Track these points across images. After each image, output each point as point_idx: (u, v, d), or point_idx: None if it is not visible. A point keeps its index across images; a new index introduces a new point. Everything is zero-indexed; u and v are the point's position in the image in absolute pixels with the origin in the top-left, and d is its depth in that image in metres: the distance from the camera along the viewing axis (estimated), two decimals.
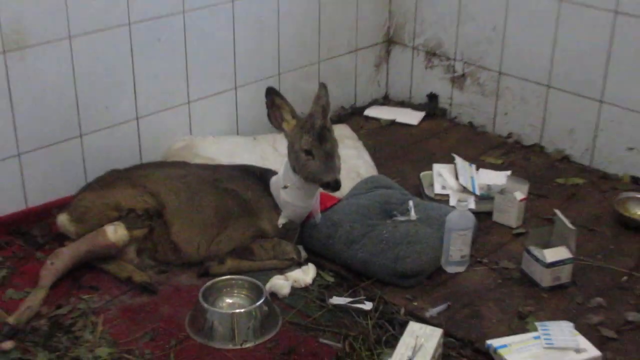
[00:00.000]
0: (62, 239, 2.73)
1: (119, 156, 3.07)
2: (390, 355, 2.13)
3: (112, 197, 2.70)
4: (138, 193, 2.71)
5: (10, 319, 2.37)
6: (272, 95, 2.71)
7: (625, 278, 2.70)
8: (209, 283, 2.54)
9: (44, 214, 2.89)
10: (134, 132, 3.14)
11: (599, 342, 2.35)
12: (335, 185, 2.64)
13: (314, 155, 2.62)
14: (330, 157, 2.63)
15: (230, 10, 3.28)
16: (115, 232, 2.62)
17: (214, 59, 3.31)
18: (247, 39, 3.39)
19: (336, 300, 2.56)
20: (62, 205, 2.83)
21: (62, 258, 2.58)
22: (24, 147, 2.84)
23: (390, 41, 4.04)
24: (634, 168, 3.34)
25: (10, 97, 2.75)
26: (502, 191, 2.98)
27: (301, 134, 2.64)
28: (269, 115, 2.73)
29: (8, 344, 2.31)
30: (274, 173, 2.81)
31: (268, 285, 2.56)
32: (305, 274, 2.67)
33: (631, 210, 3.04)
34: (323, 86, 2.73)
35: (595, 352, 2.29)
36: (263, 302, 2.45)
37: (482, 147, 3.60)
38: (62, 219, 2.73)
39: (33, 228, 2.84)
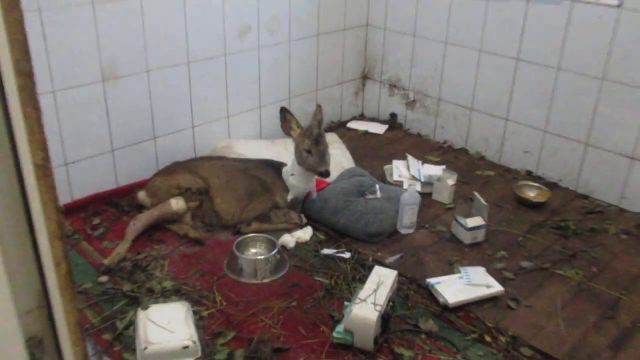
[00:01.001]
0: (140, 208, 2.74)
1: (179, 152, 3.06)
2: (362, 288, 2.11)
3: (174, 180, 2.69)
4: (192, 177, 2.71)
5: (105, 261, 2.39)
6: (284, 113, 2.71)
7: (520, 238, 2.70)
8: (239, 238, 2.55)
9: (129, 191, 2.89)
10: (190, 136, 3.12)
11: (502, 281, 2.37)
12: (327, 174, 2.64)
13: (312, 153, 2.61)
14: (323, 155, 2.63)
15: (256, 55, 3.26)
16: (177, 204, 2.63)
17: (245, 87, 3.29)
18: (267, 74, 3.36)
19: (325, 251, 2.57)
20: (141, 185, 2.82)
21: (141, 221, 2.59)
22: (116, 145, 2.84)
23: (365, 77, 4.00)
24: (527, 165, 3.32)
25: (107, 111, 2.74)
26: (439, 179, 2.98)
27: (303, 139, 2.64)
28: (282, 126, 2.72)
29: (103, 278, 2.33)
30: (285, 165, 2.80)
31: (280, 241, 2.57)
32: (305, 234, 2.67)
33: (525, 193, 3.03)
34: (319, 107, 2.73)
35: (500, 287, 2.31)
36: (276, 252, 2.46)
37: (426, 149, 3.58)
38: (141, 195, 2.74)
39: (121, 200, 2.84)
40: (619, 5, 2.74)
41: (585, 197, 3.08)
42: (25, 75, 0.76)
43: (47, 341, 0.90)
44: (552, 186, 3.14)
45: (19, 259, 0.81)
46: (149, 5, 2.71)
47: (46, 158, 0.82)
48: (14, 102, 0.73)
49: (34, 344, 0.87)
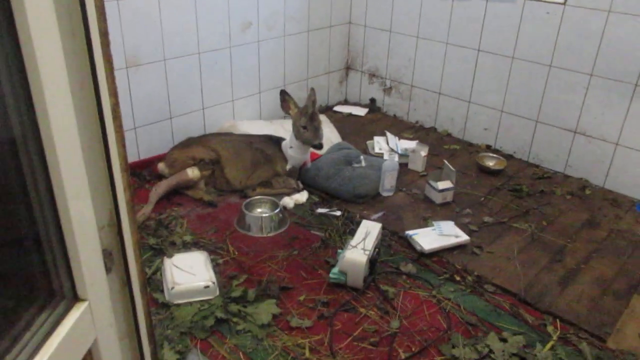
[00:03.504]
0: (160, 177, 2.77)
1: (192, 130, 3.08)
2: (352, 238, 2.18)
3: (189, 152, 2.73)
4: (205, 149, 2.74)
5: None
6: (284, 95, 2.75)
7: (482, 199, 2.78)
8: (247, 200, 2.60)
9: (150, 163, 2.92)
10: (200, 116, 3.15)
11: (468, 232, 2.45)
12: (320, 146, 2.71)
13: (308, 128, 2.67)
14: (317, 130, 2.68)
15: (257, 47, 3.29)
16: (193, 172, 2.68)
17: (247, 75, 3.31)
18: (266, 64, 3.39)
19: (320, 210, 2.63)
20: (160, 158, 2.86)
21: (161, 187, 2.64)
22: (138, 124, 2.86)
23: (348, 68, 4.03)
24: (487, 140, 3.39)
25: (130, 95, 2.77)
26: (413, 151, 3.04)
27: (300, 117, 2.69)
28: (281, 106, 2.77)
29: None
30: (283, 139, 2.84)
31: (281, 202, 2.62)
32: (302, 196, 2.73)
33: (486, 163, 3.11)
34: (312, 89, 2.76)
35: (466, 237, 2.40)
36: (279, 210, 2.52)
37: (401, 128, 3.62)
38: (160, 166, 2.78)
39: (143, 171, 2.87)
40: (564, 3, 2.83)
41: (536, 165, 3.18)
42: (103, 34, 0.83)
43: (116, 253, 0.97)
44: (508, 157, 3.23)
45: (99, 185, 0.89)
46: (165, 3, 2.73)
47: (116, 103, 0.90)
48: (98, 56, 0.80)
49: (105, 255, 0.94)
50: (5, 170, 0.77)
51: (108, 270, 0.94)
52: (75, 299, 0.86)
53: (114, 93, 0.88)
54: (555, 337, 1.93)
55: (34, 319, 0.80)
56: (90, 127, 0.84)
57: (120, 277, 0.98)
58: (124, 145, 0.93)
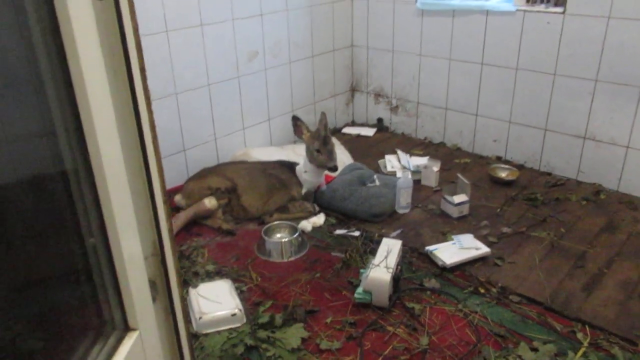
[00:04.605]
0: (177, 209, 2.78)
1: (205, 160, 3.10)
2: (374, 257, 2.18)
3: (205, 182, 2.75)
4: (221, 179, 2.76)
5: None
6: (296, 120, 2.78)
7: (498, 210, 2.79)
8: (266, 226, 2.61)
9: (166, 195, 2.93)
10: (213, 147, 3.18)
11: (488, 244, 2.45)
12: (335, 169, 2.72)
13: (322, 152, 2.69)
14: (331, 152, 2.70)
15: (264, 75, 3.34)
16: (210, 202, 2.70)
17: (256, 103, 3.36)
18: (273, 91, 3.44)
19: (338, 231, 2.64)
20: (176, 190, 2.88)
21: (180, 219, 2.66)
22: None
23: (353, 89, 4.08)
24: (497, 151, 3.41)
25: None
26: (426, 167, 3.06)
27: (313, 140, 2.71)
28: (294, 131, 2.79)
29: None
30: (297, 164, 2.86)
31: (299, 226, 2.63)
32: (319, 219, 2.74)
33: (498, 174, 3.12)
34: (323, 113, 2.79)
35: (487, 249, 2.39)
36: (297, 235, 2.53)
37: (410, 145, 3.65)
38: (177, 198, 2.80)
39: None
40: (563, 12, 2.89)
41: (548, 174, 3.20)
42: (142, 70, 0.87)
43: (159, 283, 0.99)
44: (520, 167, 3.25)
45: (143, 216, 0.91)
46: (174, 38, 2.80)
47: (155, 136, 0.93)
48: (139, 92, 0.84)
49: (150, 285, 0.96)
50: (59, 207, 0.80)
51: (153, 299, 0.97)
52: (127, 328, 0.88)
53: (153, 127, 0.91)
54: (586, 344, 1.92)
55: (89, 350, 0.83)
56: (134, 160, 0.87)
57: (165, 307, 1.01)
58: (163, 178, 0.96)
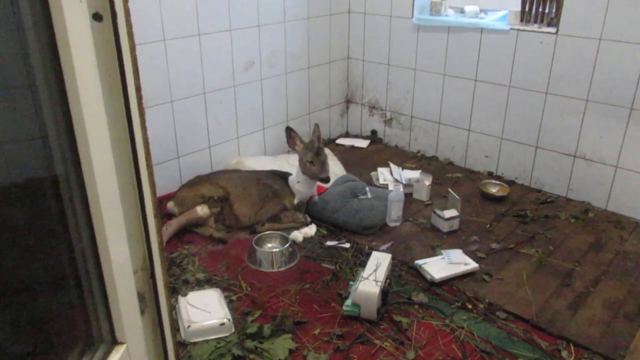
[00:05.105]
0: (170, 216, 2.78)
1: (199, 168, 3.12)
2: (363, 270, 2.19)
3: (198, 190, 2.75)
4: (214, 187, 2.77)
5: None
6: (290, 131, 2.80)
7: (488, 225, 2.81)
8: (257, 236, 2.61)
9: (159, 202, 2.89)
10: (207, 155, 3.19)
11: (476, 259, 2.47)
12: (327, 180, 2.73)
13: (314, 163, 2.70)
14: (323, 164, 2.71)
15: (260, 85, 3.36)
16: (202, 210, 2.70)
17: (251, 113, 3.37)
18: (269, 101, 3.46)
19: (329, 243, 2.65)
20: (169, 197, 2.88)
21: (172, 226, 2.66)
22: None
23: (348, 101, 4.10)
24: (489, 167, 3.44)
25: None
26: (417, 181, 3.07)
27: (306, 152, 2.72)
28: (287, 142, 2.81)
29: None
30: (290, 175, 2.88)
31: (290, 236, 2.63)
32: (310, 230, 2.75)
33: (489, 189, 3.14)
34: (317, 125, 2.81)
35: (475, 265, 2.41)
36: (288, 245, 2.53)
37: (403, 158, 3.67)
38: (170, 205, 2.79)
39: None
40: (556, 32, 2.93)
41: (539, 190, 3.23)
42: (137, 89, 0.89)
43: (147, 296, 1.00)
44: (510, 183, 3.28)
45: (134, 230, 0.93)
46: (171, 47, 2.82)
47: (149, 152, 0.94)
48: (134, 110, 0.85)
49: (139, 298, 0.97)
50: (50, 218, 0.81)
51: (142, 312, 0.98)
52: (114, 342, 0.89)
53: (146, 144, 0.93)
54: None
55: None
56: (126, 176, 0.89)
57: (153, 320, 1.02)
58: (155, 192, 0.98)
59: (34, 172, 0.77)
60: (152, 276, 0.99)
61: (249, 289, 2.33)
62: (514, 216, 2.91)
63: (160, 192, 2.96)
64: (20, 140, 0.76)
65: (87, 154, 0.76)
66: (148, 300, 1.01)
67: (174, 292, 2.26)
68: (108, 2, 0.75)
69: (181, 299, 2.17)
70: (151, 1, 2.67)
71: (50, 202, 0.80)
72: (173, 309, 2.12)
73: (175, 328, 2.04)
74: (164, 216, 2.83)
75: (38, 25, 0.69)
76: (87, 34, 0.73)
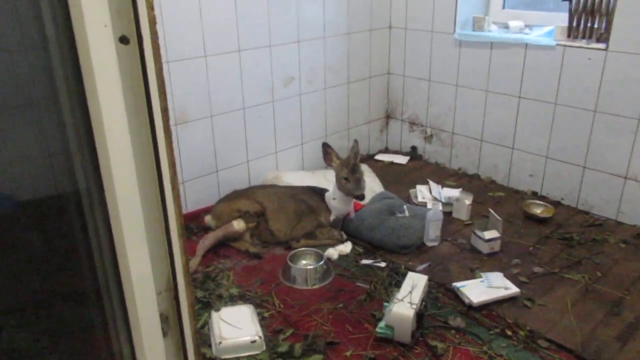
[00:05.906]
0: (206, 229, 2.81)
1: (237, 182, 3.15)
2: (398, 291, 2.15)
3: (235, 204, 2.77)
4: (250, 202, 2.78)
5: None
6: (326, 147, 2.79)
7: (531, 248, 2.70)
8: (292, 252, 2.60)
9: (197, 215, 2.98)
10: (245, 169, 3.22)
11: (517, 284, 2.37)
12: (362, 197, 2.71)
13: (350, 180, 2.68)
14: (359, 181, 2.69)
15: (298, 100, 3.37)
16: (238, 224, 2.72)
17: (289, 128, 3.39)
18: (307, 116, 3.47)
19: (364, 261, 2.61)
20: (207, 210, 2.91)
21: (208, 239, 2.68)
22: (185, 177, 2.95)
23: (388, 117, 4.07)
24: (533, 186, 3.33)
25: (179, 150, 2.86)
26: (457, 199, 3.01)
27: (342, 168, 2.71)
28: (324, 158, 2.80)
29: None
30: (327, 191, 2.86)
31: (325, 253, 2.61)
32: (346, 247, 2.72)
33: (533, 210, 3.04)
34: (355, 141, 2.80)
35: (516, 289, 2.32)
36: (323, 262, 2.51)
37: (444, 176, 3.60)
38: (207, 218, 2.83)
39: (190, 223, 2.92)
40: (606, 49, 2.81)
41: (586, 212, 3.09)
42: (163, 110, 0.88)
43: (171, 318, 0.99)
44: (556, 204, 3.15)
45: (158, 251, 0.92)
46: (212, 62, 2.86)
47: (175, 174, 0.94)
48: (159, 131, 0.85)
49: (162, 320, 0.96)
50: (72, 238, 0.81)
51: (164, 334, 0.96)
52: None
53: (173, 165, 0.92)
54: None
55: None
56: (151, 197, 0.88)
57: (176, 342, 1.00)
58: (181, 213, 0.97)
59: (56, 190, 0.78)
60: (176, 297, 0.97)
61: (282, 306, 2.31)
62: (559, 239, 2.79)
63: (198, 206, 3.01)
64: (42, 158, 0.76)
65: (109, 175, 0.76)
66: (172, 321, 0.99)
67: (208, 306, 2.26)
68: (134, 25, 0.75)
69: (214, 315, 2.17)
70: (193, 18, 2.72)
71: (73, 222, 0.80)
72: (205, 324, 2.12)
73: (203, 344, 2.04)
74: (201, 230, 2.87)
75: (62, 48, 0.70)
76: (112, 57, 0.73)
